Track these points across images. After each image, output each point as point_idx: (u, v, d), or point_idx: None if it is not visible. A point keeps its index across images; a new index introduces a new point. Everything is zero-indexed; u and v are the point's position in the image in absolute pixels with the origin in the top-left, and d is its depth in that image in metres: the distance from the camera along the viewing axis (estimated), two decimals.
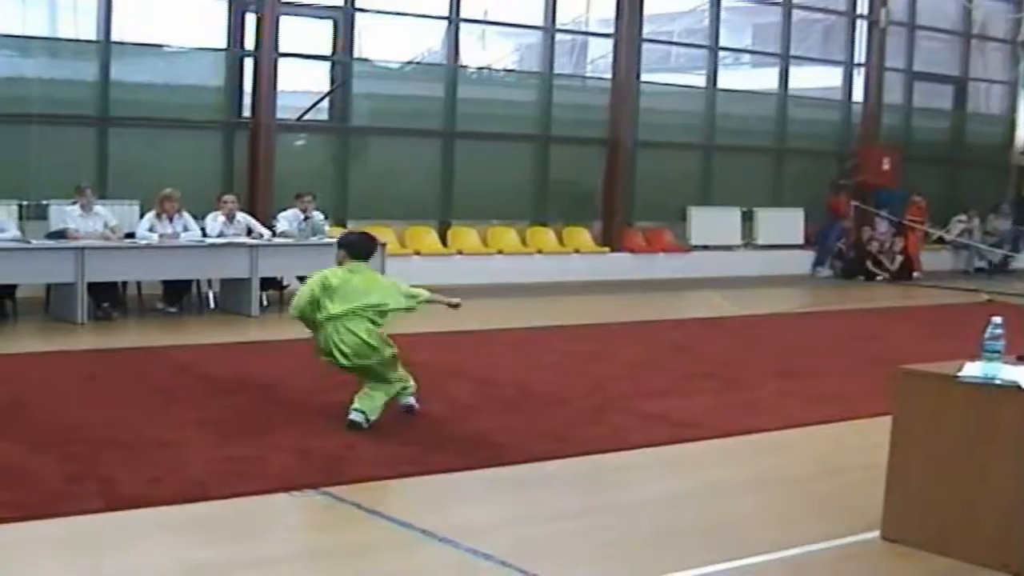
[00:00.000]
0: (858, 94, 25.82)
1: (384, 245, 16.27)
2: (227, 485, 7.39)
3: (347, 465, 7.95)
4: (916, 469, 6.58)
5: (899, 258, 23.97)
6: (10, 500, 6.88)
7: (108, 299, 14.74)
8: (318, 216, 16.45)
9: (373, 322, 9.07)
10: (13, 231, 14.53)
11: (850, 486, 7.82)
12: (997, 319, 6.40)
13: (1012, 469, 6.17)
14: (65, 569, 6.09)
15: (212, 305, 15.96)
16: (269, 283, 16.03)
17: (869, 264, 23.78)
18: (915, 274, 24.19)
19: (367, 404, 9.01)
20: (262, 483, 7.47)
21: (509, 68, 23.26)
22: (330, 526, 6.94)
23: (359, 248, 9.36)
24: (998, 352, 6.34)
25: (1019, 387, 6.12)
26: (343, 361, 9.05)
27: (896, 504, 6.70)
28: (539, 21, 21.69)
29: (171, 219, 15.39)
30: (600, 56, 23.25)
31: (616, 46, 22.25)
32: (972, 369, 6.38)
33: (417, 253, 19.30)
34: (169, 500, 7.05)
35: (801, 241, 24.57)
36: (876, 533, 6.73)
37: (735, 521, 7.13)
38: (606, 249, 21.88)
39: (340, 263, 9.29)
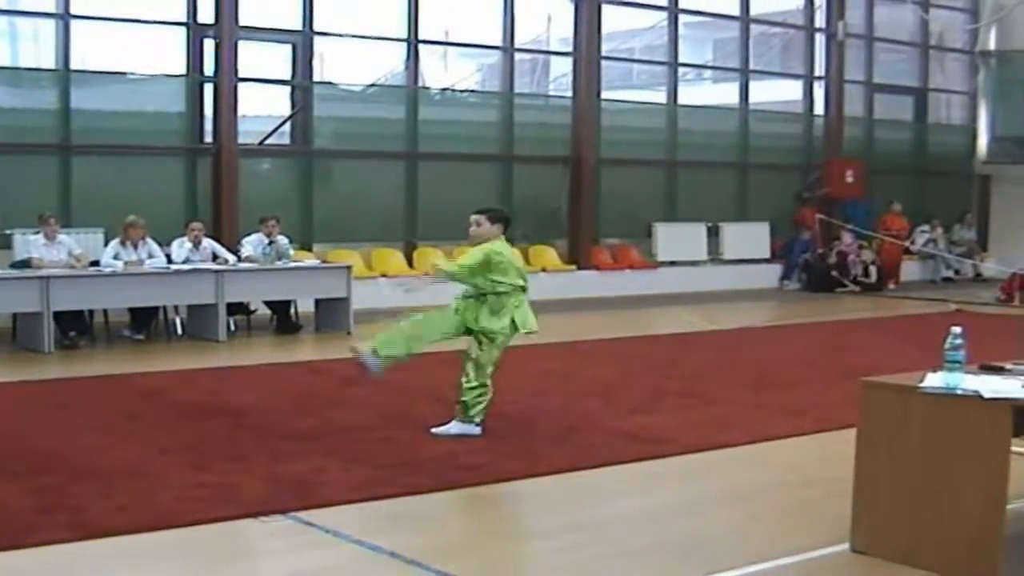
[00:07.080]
0: (819, 107, 26.09)
1: (350, 268, 16.34)
2: (196, 512, 7.35)
3: (317, 489, 7.93)
4: (882, 480, 6.58)
5: (872, 269, 24.08)
6: None
7: (75, 327, 14.70)
8: (283, 240, 16.44)
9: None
10: None
11: (823, 498, 7.81)
12: (957, 329, 6.42)
13: (976, 479, 6.17)
14: None
15: (179, 331, 15.93)
16: (236, 308, 16.00)
17: (836, 275, 23.85)
18: (891, 285, 24.32)
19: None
20: (231, 509, 7.44)
21: (471, 88, 23.29)
22: (298, 551, 6.90)
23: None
24: (959, 362, 6.35)
25: (980, 396, 6.15)
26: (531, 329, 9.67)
27: (863, 516, 6.69)
28: (499, 41, 21.76)
29: (136, 246, 15.38)
30: (562, 75, 23.31)
31: (575, 64, 22.37)
32: (934, 380, 6.39)
33: (384, 275, 19.28)
34: (138, 528, 7.01)
35: (768, 255, 24.72)
36: (846, 545, 6.73)
37: (706, 536, 7.13)
38: (573, 267, 21.98)
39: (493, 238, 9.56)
